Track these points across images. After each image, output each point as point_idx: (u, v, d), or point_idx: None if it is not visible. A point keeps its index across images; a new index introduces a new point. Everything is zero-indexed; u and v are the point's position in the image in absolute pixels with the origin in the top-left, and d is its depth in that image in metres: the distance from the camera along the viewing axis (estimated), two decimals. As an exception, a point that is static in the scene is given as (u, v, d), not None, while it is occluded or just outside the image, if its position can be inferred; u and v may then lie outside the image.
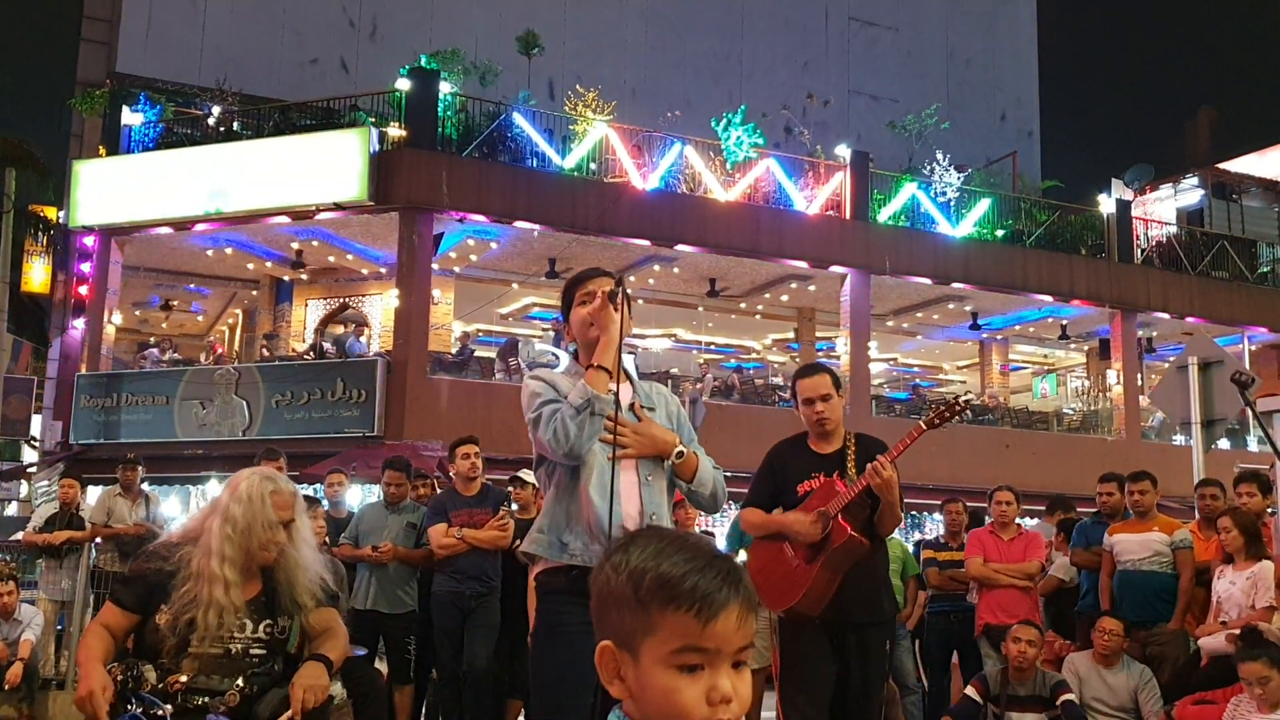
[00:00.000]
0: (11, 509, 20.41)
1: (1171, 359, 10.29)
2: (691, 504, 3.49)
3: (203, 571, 3.23)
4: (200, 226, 16.55)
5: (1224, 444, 15.87)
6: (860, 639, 4.10)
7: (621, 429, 3.17)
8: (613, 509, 3.13)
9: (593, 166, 17.13)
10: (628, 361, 3.52)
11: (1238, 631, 5.43)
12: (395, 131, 16.32)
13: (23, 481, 20.27)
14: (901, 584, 7.50)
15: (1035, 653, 5.92)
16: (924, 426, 3.94)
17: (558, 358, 16.50)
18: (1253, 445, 19.69)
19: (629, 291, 3.31)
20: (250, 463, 4.98)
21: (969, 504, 8.22)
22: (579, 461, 3.18)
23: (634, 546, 1.37)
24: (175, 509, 14.08)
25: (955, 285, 19.07)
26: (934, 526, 15.55)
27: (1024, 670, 5.93)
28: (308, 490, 7.69)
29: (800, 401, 4.29)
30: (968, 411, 3.97)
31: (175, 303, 20.63)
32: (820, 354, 21.45)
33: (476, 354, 18.10)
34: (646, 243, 17.20)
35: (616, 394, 3.18)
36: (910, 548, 8.30)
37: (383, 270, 17.96)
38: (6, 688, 7.53)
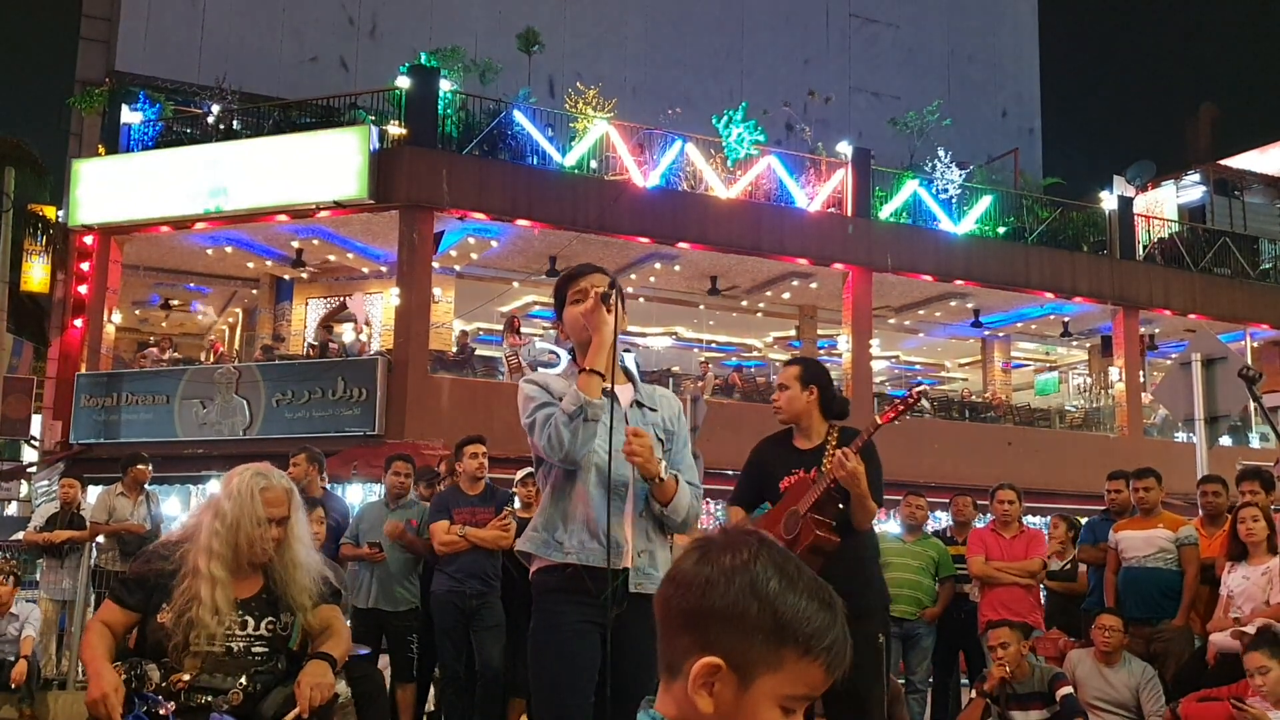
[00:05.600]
0: (11, 509, 20.41)
1: (1174, 356, 10.27)
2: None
3: (196, 568, 3.23)
4: (200, 225, 16.51)
5: (1226, 441, 15.83)
6: None
7: (635, 441, 3.10)
8: (609, 510, 3.12)
9: (593, 164, 17.08)
10: (628, 360, 3.48)
11: (1245, 629, 5.40)
12: (395, 130, 16.29)
13: (23, 481, 20.26)
14: (934, 583, 7.42)
15: (1016, 649, 5.86)
16: (879, 421, 4.02)
17: (558, 356, 16.45)
18: (1255, 442, 19.66)
19: (623, 290, 3.24)
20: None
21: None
22: (576, 466, 3.17)
23: (764, 567, 1.29)
24: (175, 509, 14.06)
25: (957, 282, 19.03)
26: (934, 524, 15.48)
27: (1018, 670, 5.89)
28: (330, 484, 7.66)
29: None
30: (924, 402, 4.01)
31: (175, 302, 20.60)
32: (821, 352, 21.41)
33: (477, 353, 18.08)
34: (647, 240, 17.16)
35: (613, 394, 3.14)
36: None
37: (383, 269, 17.93)
38: (13, 685, 7.52)
